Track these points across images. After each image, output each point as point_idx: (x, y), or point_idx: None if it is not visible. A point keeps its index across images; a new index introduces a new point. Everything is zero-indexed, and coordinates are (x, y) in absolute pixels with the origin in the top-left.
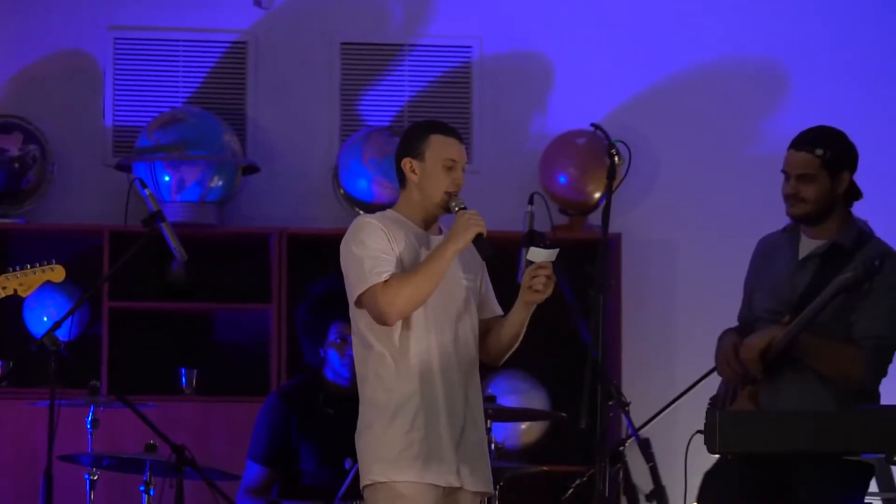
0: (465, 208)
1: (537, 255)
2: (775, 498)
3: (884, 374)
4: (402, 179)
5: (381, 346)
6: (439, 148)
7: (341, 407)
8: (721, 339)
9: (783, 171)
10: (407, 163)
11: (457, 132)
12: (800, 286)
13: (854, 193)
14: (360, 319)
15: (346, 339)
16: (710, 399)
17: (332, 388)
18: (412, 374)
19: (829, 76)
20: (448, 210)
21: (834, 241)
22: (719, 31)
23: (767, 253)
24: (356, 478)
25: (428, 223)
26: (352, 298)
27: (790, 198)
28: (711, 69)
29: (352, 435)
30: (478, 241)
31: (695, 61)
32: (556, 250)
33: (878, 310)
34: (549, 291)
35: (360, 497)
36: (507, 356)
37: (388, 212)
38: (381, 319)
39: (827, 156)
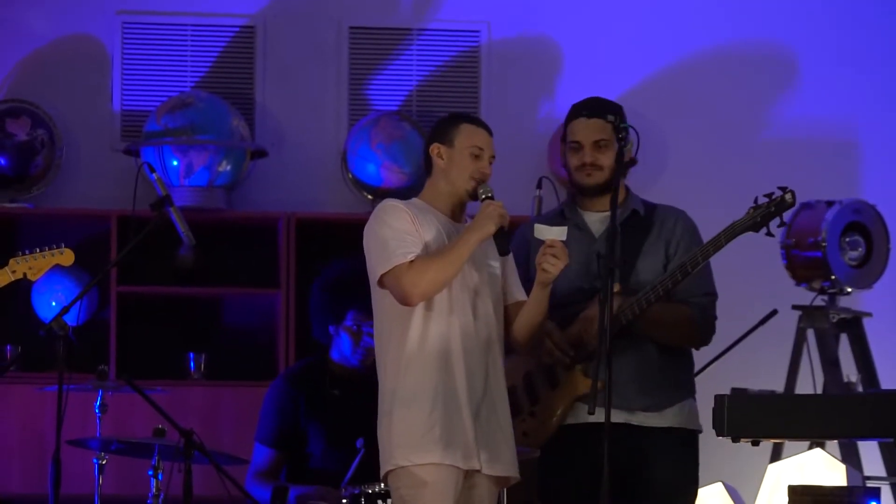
0: (492, 197)
1: (545, 232)
2: (621, 473)
3: (714, 330)
4: (428, 167)
5: (403, 328)
6: (468, 135)
7: (347, 388)
8: None
9: (573, 143)
10: (435, 148)
11: (488, 126)
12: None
13: (631, 160)
14: (382, 300)
15: (361, 329)
16: (510, 388)
17: (338, 370)
18: (433, 357)
19: (837, 60)
20: (474, 197)
21: (632, 209)
22: (727, 15)
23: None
24: (364, 461)
25: (454, 212)
26: (374, 278)
27: (587, 167)
28: (720, 54)
29: (359, 415)
30: (498, 233)
31: (703, 46)
32: (565, 228)
33: (683, 263)
34: (559, 269)
35: (370, 481)
36: (534, 340)
37: (415, 199)
38: (405, 300)
39: (616, 121)
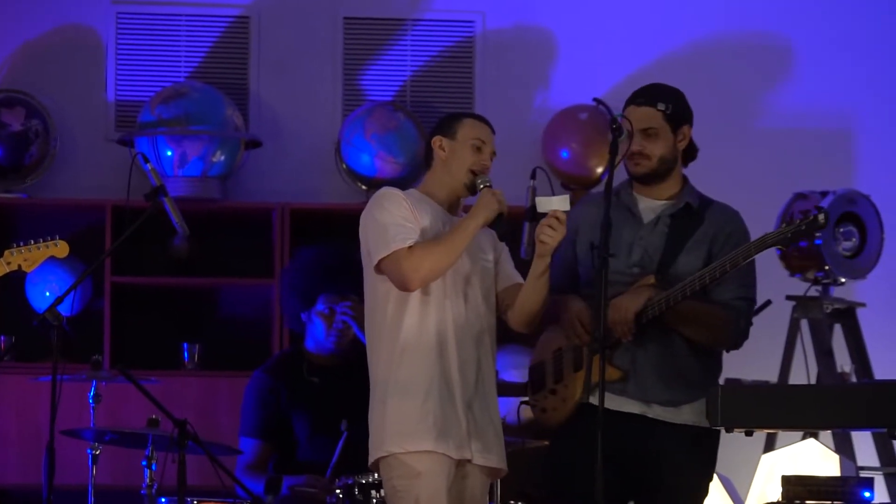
0: (490, 186)
1: (546, 204)
2: (630, 465)
3: (748, 335)
4: (428, 159)
5: (398, 316)
6: (471, 128)
7: (326, 375)
8: (566, 303)
9: (626, 130)
10: (437, 140)
11: (491, 124)
12: (653, 247)
13: (691, 153)
14: (376, 287)
15: (334, 311)
16: (530, 367)
17: (315, 359)
18: (429, 347)
19: (832, 50)
20: (472, 191)
21: (686, 202)
22: (722, 4)
23: (593, 218)
24: (350, 447)
25: (452, 205)
26: (372, 263)
27: (635, 155)
28: (714, 43)
29: (341, 401)
30: (499, 220)
31: (698, 35)
32: (567, 196)
33: (741, 270)
34: (557, 241)
35: (357, 466)
36: (537, 320)
37: (412, 190)
38: (404, 285)
39: (669, 110)
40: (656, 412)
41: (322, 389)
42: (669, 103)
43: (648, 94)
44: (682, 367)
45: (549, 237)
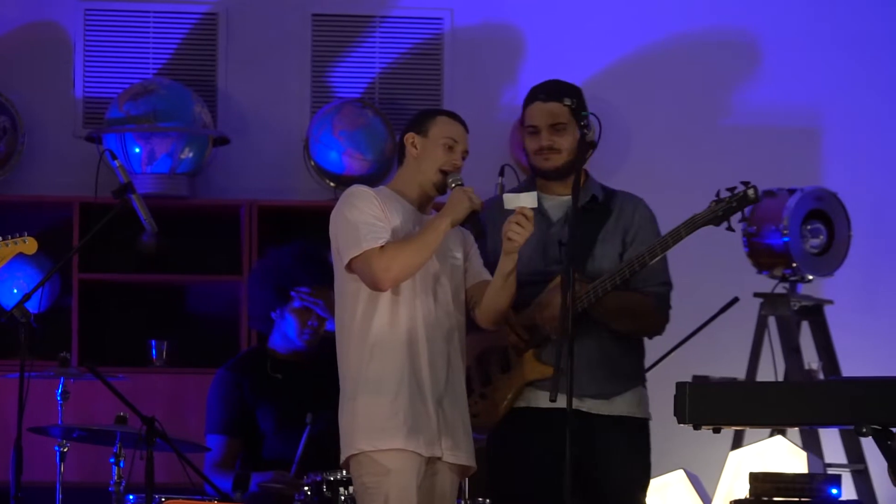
0: (461, 184)
1: (513, 201)
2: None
3: (669, 319)
4: (400, 156)
5: (368, 313)
6: (444, 126)
7: (290, 371)
8: None
9: (530, 126)
10: (410, 137)
11: (465, 122)
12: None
13: (591, 143)
14: (346, 285)
15: (309, 309)
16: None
17: (279, 356)
18: (399, 344)
19: (800, 47)
20: (443, 191)
21: (592, 194)
22: (690, 2)
23: (496, 223)
24: (316, 442)
25: (422, 203)
26: (343, 262)
27: (545, 150)
28: (682, 40)
29: (305, 396)
30: (472, 217)
31: (666, 32)
32: (535, 194)
33: (641, 253)
34: (524, 238)
35: (324, 462)
36: (505, 317)
37: (382, 187)
38: (375, 284)
39: (574, 105)
40: (589, 406)
41: (286, 384)
42: (574, 98)
43: (553, 90)
44: (611, 358)
45: (516, 234)
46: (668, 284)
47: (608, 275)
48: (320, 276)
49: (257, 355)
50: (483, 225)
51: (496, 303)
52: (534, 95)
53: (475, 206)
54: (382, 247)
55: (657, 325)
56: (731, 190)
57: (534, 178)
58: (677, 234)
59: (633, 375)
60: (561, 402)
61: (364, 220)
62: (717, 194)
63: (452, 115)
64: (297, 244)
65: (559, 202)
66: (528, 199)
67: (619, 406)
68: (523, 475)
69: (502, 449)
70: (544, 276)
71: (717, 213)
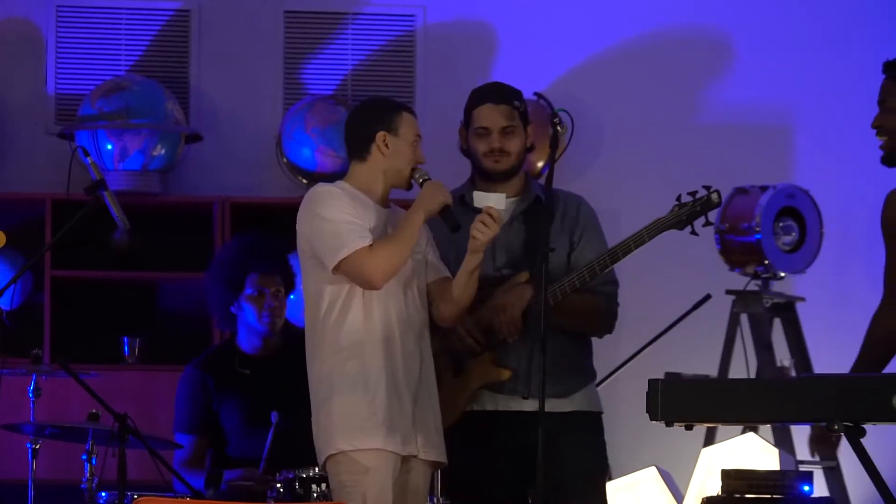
0: (429, 179)
1: (483, 199)
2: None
3: (617, 316)
4: (363, 152)
5: (342, 312)
6: (411, 124)
7: (257, 367)
8: None
9: (480, 128)
10: (382, 136)
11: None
12: (516, 246)
13: (530, 149)
14: (319, 284)
15: (263, 293)
16: None
17: (247, 354)
18: (375, 342)
19: (772, 45)
20: (409, 185)
21: (535, 195)
22: (663, 0)
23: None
24: (284, 440)
25: (383, 198)
26: (327, 263)
27: (496, 152)
28: (655, 38)
29: (272, 392)
30: (445, 211)
31: (639, 30)
32: (503, 196)
33: (602, 253)
34: (489, 237)
35: (295, 462)
36: (463, 315)
37: (342, 184)
38: (369, 283)
39: (522, 108)
40: (550, 405)
41: (253, 381)
42: (521, 102)
43: (502, 94)
44: (567, 357)
45: (482, 233)
46: (615, 283)
47: (567, 277)
48: (268, 263)
49: (225, 351)
50: (456, 218)
51: (460, 300)
52: (481, 98)
53: (448, 200)
54: (370, 246)
55: (608, 324)
56: (692, 194)
57: (474, 179)
58: (640, 238)
59: (588, 372)
60: (518, 405)
61: (344, 219)
62: (679, 198)
63: (410, 110)
64: (243, 236)
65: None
66: (496, 200)
67: (577, 402)
68: (482, 478)
69: (459, 453)
70: (492, 280)
71: (681, 218)
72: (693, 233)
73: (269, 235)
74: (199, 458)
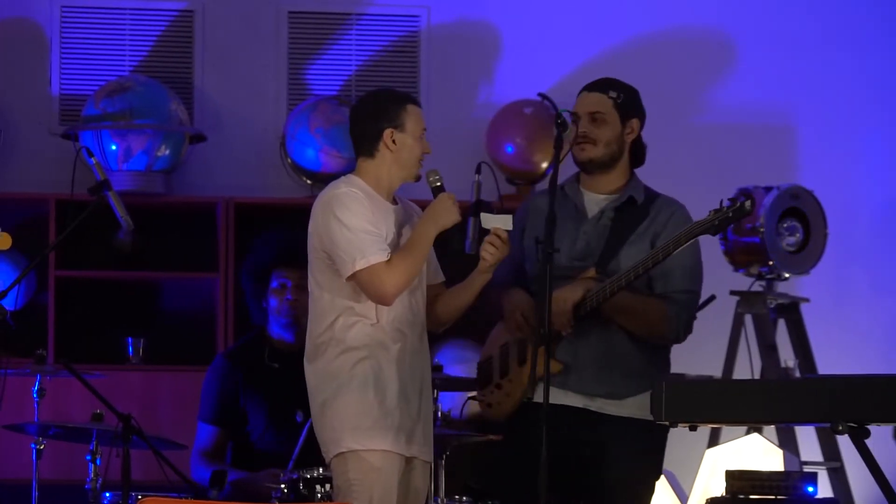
0: (441, 186)
1: (490, 221)
2: (575, 458)
3: (691, 328)
4: (371, 149)
5: (350, 314)
6: (417, 118)
7: (287, 361)
8: (509, 296)
9: (573, 114)
10: (389, 133)
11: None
12: (596, 241)
13: (640, 155)
14: (335, 285)
15: (285, 286)
16: (479, 363)
17: (277, 344)
18: (385, 343)
19: (775, 45)
20: (418, 178)
21: (629, 195)
22: (666, 1)
23: (539, 213)
24: (309, 442)
25: (390, 194)
26: (344, 271)
27: (580, 139)
28: (657, 39)
29: (299, 388)
30: (453, 230)
31: (641, 31)
32: (510, 217)
33: (684, 262)
34: (497, 259)
35: (316, 464)
36: (453, 321)
37: (358, 182)
38: (383, 299)
39: (620, 99)
40: (599, 405)
41: (281, 375)
42: (621, 93)
43: (602, 83)
44: (622, 359)
45: (491, 255)
46: (689, 292)
47: (617, 275)
48: (292, 257)
49: (256, 343)
50: (462, 241)
51: (455, 310)
52: (586, 86)
53: (458, 220)
54: (388, 261)
55: (671, 331)
56: (732, 200)
57: (578, 175)
58: (678, 241)
59: (648, 378)
60: (567, 399)
61: (364, 227)
62: (721, 203)
63: (415, 101)
64: (270, 235)
65: (598, 199)
66: (503, 221)
67: (630, 408)
68: (525, 472)
69: (517, 442)
70: (570, 272)
71: (714, 223)
72: (724, 239)
73: (296, 232)
74: (219, 450)
